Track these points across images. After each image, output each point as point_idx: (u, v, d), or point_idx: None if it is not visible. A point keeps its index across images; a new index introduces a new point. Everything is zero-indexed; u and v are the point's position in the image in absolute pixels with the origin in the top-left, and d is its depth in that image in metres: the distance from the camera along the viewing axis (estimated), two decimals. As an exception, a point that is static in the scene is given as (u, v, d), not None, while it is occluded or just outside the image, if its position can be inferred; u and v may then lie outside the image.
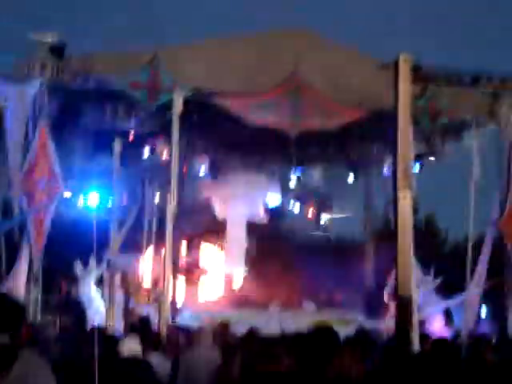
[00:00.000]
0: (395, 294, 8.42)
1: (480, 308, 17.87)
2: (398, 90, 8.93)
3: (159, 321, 12.02)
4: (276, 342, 7.78)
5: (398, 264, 8.52)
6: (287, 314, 17.73)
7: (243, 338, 9.26)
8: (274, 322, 16.68)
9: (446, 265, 22.27)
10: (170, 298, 12.11)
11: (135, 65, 15.63)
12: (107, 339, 7.59)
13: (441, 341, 8.91)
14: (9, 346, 3.44)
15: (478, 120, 17.46)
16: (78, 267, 17.95)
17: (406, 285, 8.49)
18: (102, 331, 8.97)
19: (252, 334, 9.39)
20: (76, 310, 18.14)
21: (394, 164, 9.00)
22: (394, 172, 8.93)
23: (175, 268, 12.26)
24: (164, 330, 11.37)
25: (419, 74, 9.35)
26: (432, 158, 19.06)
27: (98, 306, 17.40)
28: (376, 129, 17.57)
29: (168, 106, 15.57)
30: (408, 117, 8.61)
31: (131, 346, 7.26)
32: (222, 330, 9.88)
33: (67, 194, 16.28)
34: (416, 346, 7.42)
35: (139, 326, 13.62)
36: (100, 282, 18.06)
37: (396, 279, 8.56)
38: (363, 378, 6.21)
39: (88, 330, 11.45)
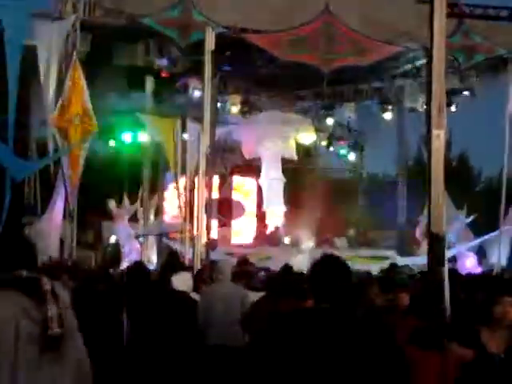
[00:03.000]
0: (427, 231, 8.41)
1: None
2: (433, 25, 8.74)
3: (192, 256, 12.19)
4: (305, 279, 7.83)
5: (431, 203, 8.50)
6: (319, 251, 17.76)
7: (276, 275, 9.31)
8: (306, 259, 16.76)
9: (480, 202, 22.18)
10: (204, 235, 12.21)
11: (165, 2, 15.54)
12: (147, 274, 7.78)
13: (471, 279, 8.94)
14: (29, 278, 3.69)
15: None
16: (112, 205, 18.13)
17: (439, 222, 8.47)
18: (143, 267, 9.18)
19: (287, 270, 9.46)
20: (111, 246, 18.41)
21: (428, 102, 8.87)
22: (428, 110, 8.81)
23: (209, 205, 12.34)
24: (197, 266, 11.51)
25: (456, 9, 9.21)
26: (466, 94, 18.80)
27: (132, 243, 17.63)
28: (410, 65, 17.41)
29: (201, 45, 15.49)
30: (443, 53, 8.43)
31: (181, 283, 7.42)
32: (241, 266, 9.90)
33: (100, 132, 16.33)
34: (447, 282, 7.44)
35: (169, 262, 13.77)
36: (133, 219, 18.28)
37: (428, 217, 8.54)
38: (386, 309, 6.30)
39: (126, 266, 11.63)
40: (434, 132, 8.32)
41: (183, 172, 15.34)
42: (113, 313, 7.27)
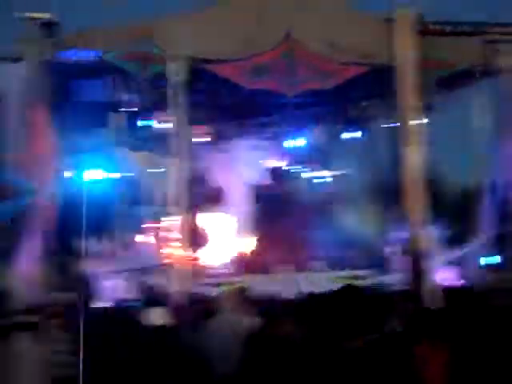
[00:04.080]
0: (409, 250, 8.45)
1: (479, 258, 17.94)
2: (396, 44, 8.88)
3: (178, 291, 12.00)
4: (290, 305, 7.77)
5: (410, 220, 8.56)
6: (302, 276, 17.79)
7: (263, 304, 9.28)
8: (290, 284, 16.66)
9: (448, 217, 22.32)
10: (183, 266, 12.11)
11: (128, 38, 15.54)
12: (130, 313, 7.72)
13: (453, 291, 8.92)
14: None
15: (476, 70, 17.30)
16: (85, 244, 17.91)
17: (418, 240, 8.54)
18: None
19: (272, 299, 9.46)
20: (86, 286, 18.15)
21: (399, 119, 8.97)
22: (400, 128, 8.91)
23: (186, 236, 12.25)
24: (183, 301, 11.37)
25: (419, 27, 9.30)
26: (429, 111, 18.92)
27: (108, 281, 17.43)
28: (375, 85, 17.52)
29: (165, 77, 15.50)
30: (409, 71, 8.55)
31: (157, 317, 7.38)
32: (239, 296, 9.85)
33: (69, 170, 16.23)
34: (428, 298, 7.47)
35: (149, 298, 13.63)
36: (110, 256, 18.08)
37: (409, 235, 8.58)
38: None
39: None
40: (408, 148, 8.40)
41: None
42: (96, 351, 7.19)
